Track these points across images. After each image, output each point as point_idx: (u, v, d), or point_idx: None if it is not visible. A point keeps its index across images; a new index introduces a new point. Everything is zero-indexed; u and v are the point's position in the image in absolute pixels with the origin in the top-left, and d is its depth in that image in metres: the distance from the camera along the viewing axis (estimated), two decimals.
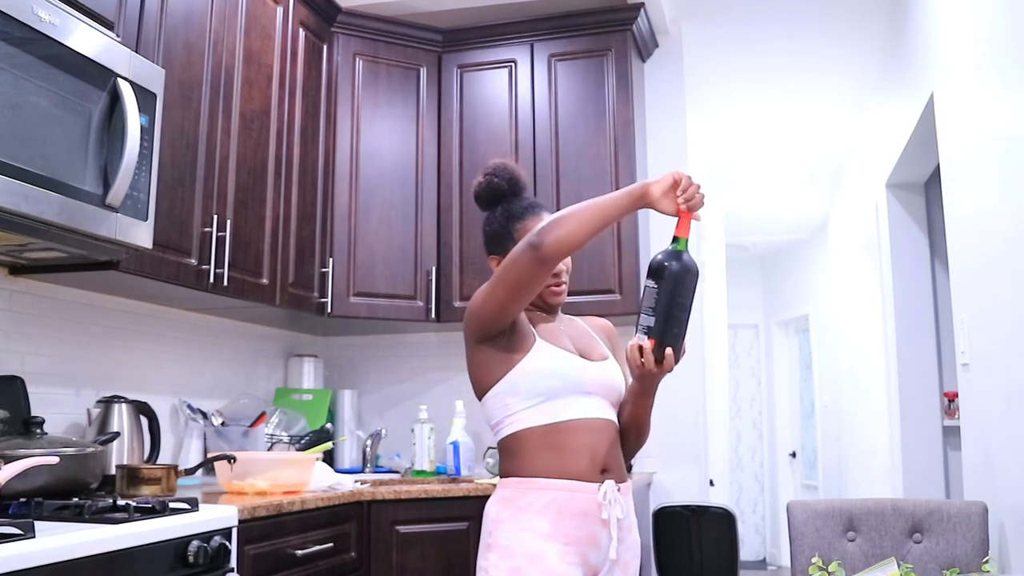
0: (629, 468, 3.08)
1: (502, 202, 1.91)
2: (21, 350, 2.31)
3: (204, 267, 2.49)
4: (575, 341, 1.88)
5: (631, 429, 1.88)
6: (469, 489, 2.69)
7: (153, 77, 2.14)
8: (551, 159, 3.31)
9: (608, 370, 1.85)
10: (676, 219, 1.68)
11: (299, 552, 2.28)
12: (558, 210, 1.72)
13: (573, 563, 1.70)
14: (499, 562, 1.71)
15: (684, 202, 1.65)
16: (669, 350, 1.69)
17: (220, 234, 2.54)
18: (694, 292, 1.71)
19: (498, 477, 1.85)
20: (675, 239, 1.69)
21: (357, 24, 3.36)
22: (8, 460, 1.67)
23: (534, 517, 1.71)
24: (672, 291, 1.67)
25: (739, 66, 4.27)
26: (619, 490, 1.78)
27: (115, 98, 2.00)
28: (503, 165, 1.93)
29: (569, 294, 1.98)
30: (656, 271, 1.69)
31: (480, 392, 1.83)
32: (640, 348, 1.68)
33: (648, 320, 1.69)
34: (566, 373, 1.77)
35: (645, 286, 1.71)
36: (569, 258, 1.87)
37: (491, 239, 1.92)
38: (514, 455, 1.78)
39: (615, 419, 1.85)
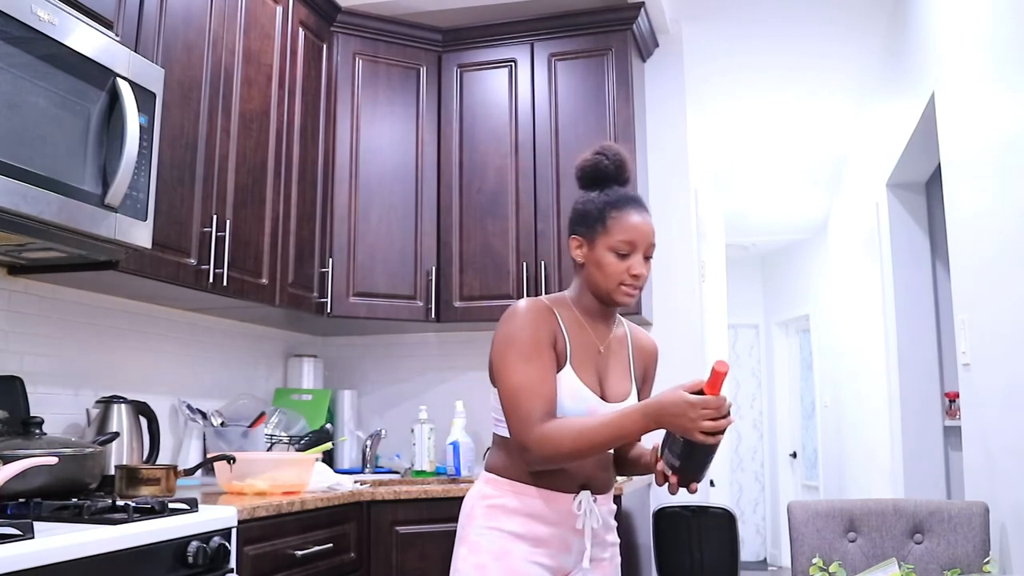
0: None
1: (603, 185, 1.79)
2: (20, 350, 2.31)
3: (203, 267, 2.48)
4: (605, 371, 1.80)
5: (628, 469, 1.89)
6: (469, 490, 2.68)
7: (152, 77, 2.14)
8: (551, 159, 3.31)
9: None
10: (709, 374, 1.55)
11: (299, 553, 2.28)
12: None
13: (539, 563, 1.71)
14: (467, 556, 1.72)
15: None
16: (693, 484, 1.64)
17: (220, 234, 2.54)
18: (716, 446, 1.59)
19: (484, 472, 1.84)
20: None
21: (357, 24, 3.35)
22: (7, 460, 1.67)
23: (505, 516, 1.72)
24: (694, 447, 1.57)
25: (739, 66, 4.27)
26: (596, 500, 1.76)
27: (114, 98, 2.00)
28: (615, 148, 1.82)
29: None
30: (678, 448, 1.60)
31: (494, 381, 1.78)
32: (666, 476, 1.64)
33: (673, 460, 1.61)
34: (574, 411, 1.72)
35: (663, 461, 1.64)
36: (648, 265, 1.77)
37: (581, 218, 1.78)
38: (502, 452, 1.79)
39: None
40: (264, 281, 2.79)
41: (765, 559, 7.97)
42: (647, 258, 1.76)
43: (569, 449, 1.62)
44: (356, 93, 3.33)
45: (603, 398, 1.77)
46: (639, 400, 1.84)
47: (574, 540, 1.74)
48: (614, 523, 1.87)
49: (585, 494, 1.74)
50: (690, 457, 1.58)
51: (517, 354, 1.69)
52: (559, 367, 1.73)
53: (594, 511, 1.75)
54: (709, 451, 1.56)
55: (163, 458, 2.78)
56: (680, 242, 3.60)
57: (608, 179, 1.80)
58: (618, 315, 1.91)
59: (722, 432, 1.52)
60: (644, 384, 1.91)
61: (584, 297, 1.81)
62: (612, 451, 1.83)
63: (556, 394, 1.69)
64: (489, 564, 1.69)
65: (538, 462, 1.66)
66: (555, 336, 1.74)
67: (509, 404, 1.68)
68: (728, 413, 1.52)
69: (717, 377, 1.51)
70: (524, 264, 3.26)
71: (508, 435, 1.75)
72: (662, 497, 3.41)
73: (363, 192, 3.28)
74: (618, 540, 1.88)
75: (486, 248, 3.32)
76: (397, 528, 2.67)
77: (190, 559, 1.80)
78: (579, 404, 1.72)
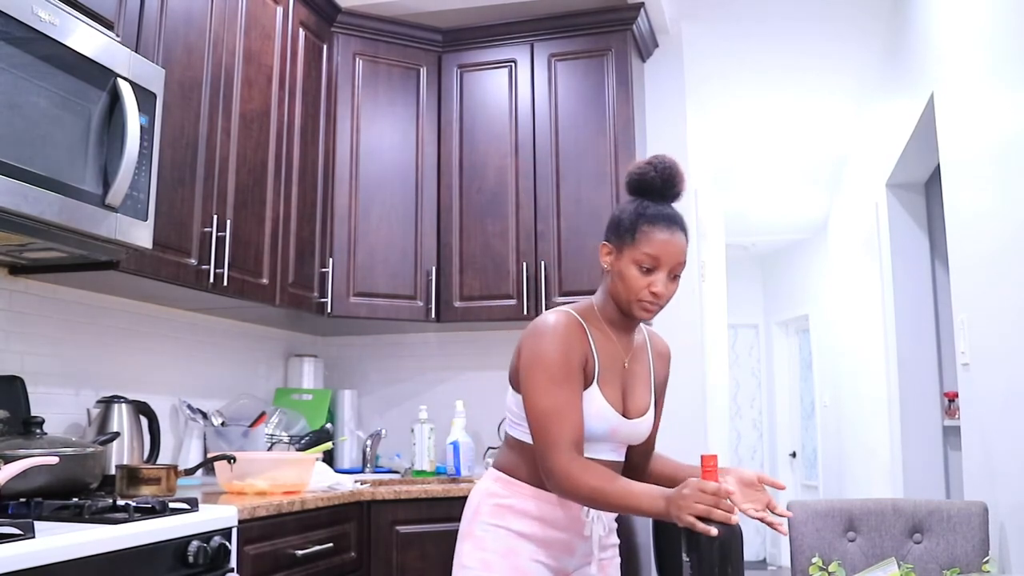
0: None
1: (647, 195, 1.76)
2: (21, 350, 2.31)
3: (204, 267, 2.48)
4: (629, 385, 1.80)
5: (654, 479, 1.87)
6: (469, 489, 2.68)
7: (153, 77, 2.14)
8: (551, 159, 3.31)
9: (638, 427, 1.79)
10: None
11: (299, 552, 2.28)
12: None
13: (543, 563, 1.73)
14: (471, 552, 1.73)
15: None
16: None
17: (220, 234, 2.54)
18: (741, 560, 1.46)
19: (491, 468, 1.85)
20: None
21: (357, 24, 3.36)
22: (8, 460, 1.67)
23: (513, 516, 1.73)
24: (712, 562, 1.42)
25: (739, 66, 4.27)
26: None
27: (115, 98, 2.00)
28: (668, 162, 1.77)
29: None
30: (692, 541, 1.44)
31: (516, 387, 1.77)
32: None
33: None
34: (597, 429, 1.72)
35: (684, 562, 1.45)
36: (674, 285, 1.74)
37: (615, 225, 1.76)
38: (514, 453, 1.79)
39: (623, 457, 1.83)
40: (264, 281, 2.80)
41: (765, 559, 7.97)
42: (674, 277, 1.73)
43: (583, 497, 1.63)
44: (356, 93, 3.33)
45: (624, 413, 1.76)
46: (655, 410, 1.86)
47: (578, 544, 1.76)
48: (615, 525, 1.89)
49: None
50: (695, 557, 1.43)
51: (547, 376, 1.67)
52: (586, 385, 1.72)
53: (601, 518, 1.76)
54: (713, 550, 1.41)
55: (163, 458, 2.78)
56: None
57: (652, 191, 1.76)
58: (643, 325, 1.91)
59: (720, 521, 1.41)
60: (660, 389, 1.91)
61: (608, 306, 1.80)
62: (623, 460, 1.83)
63: (583, 418, 1.68)
64: (495, 561, 1.70)
65: (554, 489, 1.66)
66: (585, 357, 1.72)
67: (538, 427, 1.67)
68: (729, 506, 1.43)
69: (704, 465, 1.46)
70: (524, 264, 3.26)
71: (525, 439, 1.75)
72: None
73: (363, 192, 3.28)
74: (618, 541, 1.90)
75: (486, 248, 3.32)
76: (397, 528, 2.67)
77: (191, 559, 1.81)
78: (602, 424, 1.72)
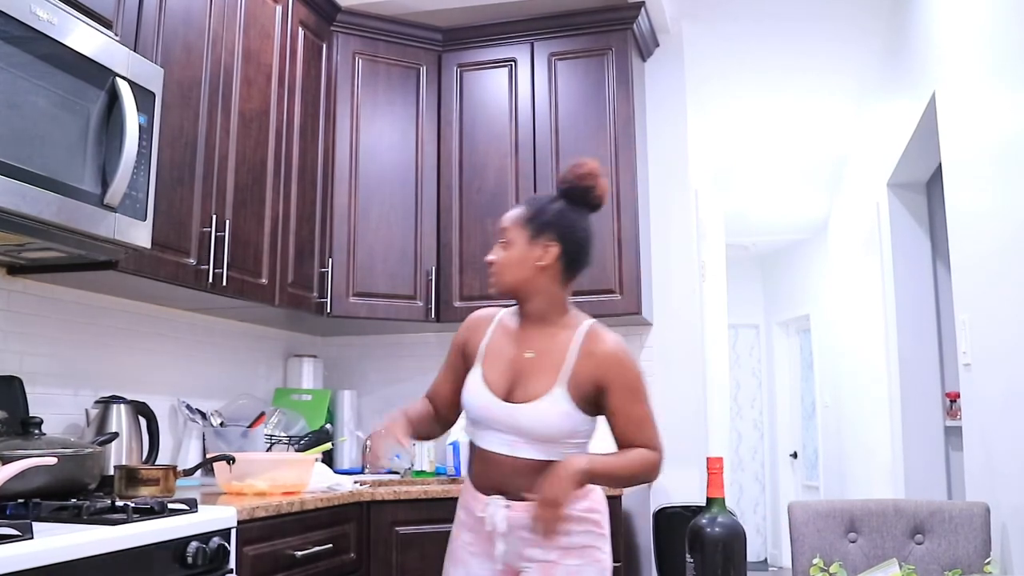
0: None
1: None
2: (19, 350, 2.31)
3: (203, 267, 2.48)
4: (523, 375, 1.91)
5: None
6: None
7: (152, 76, 2.13)
8: (551, 159, 3.30)
9: (523, 412, 1.86)
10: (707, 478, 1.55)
11: (298, 553, 2.27)
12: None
13: (475, 553, 1.91)
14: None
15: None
16: None
17: (219, 234, 2.54)
18: (744, 561, 1.49)
19: None
20: (709, 501, 1.52)
21: (357, 23, 3.35)
22: (6, 461, 1.67)
23: (460, 506, 2.00)
24: (716, 563, 1.47)
25: (740, 65, 4.27)
26: (510, 507, 1.85)
27: (114, 97, 1.99)
28: (578, 170, 1.98)
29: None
30: (695, 542, 1.49)
31: None
32: None
33: None
34: (471, 408, 1.94)
35: (688, 562, 1.50)
36: (502, 251, 1.98)
37: None
38: None
39: (534, 456, 1.85)
40: (264, 281, 2.79)
41: (766, 559, 7.97)
42: (500, 244, 1.99)
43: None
44: (356, 93, 3.32)
45: (509, 398, 1.89)
46: (574, 402, 1.86)
47: (496, 538, 1.87)
48: (572, 529, 1.84)
49: (494, 499, 1.87)
50: (698, 557, 1.53)
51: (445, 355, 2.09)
52: (470, 365, 1.98)
53: (501, 516, 1.84)
54: (716, 551, 1.48)
55: (162, 458, 2.77)
56: (680, 242, 3.60)
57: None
58: (581, 320, 1.95)
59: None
60: (603, 392, 1.88)
61: None
62: (528, 459, 1.86)
63: (447, 393, 2.05)
64: (450, 543, 1.99)
65: None
66: (468, 342, 2.01)
67: None
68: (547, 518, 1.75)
69: (711, 468, 1.54)
70: None
71: None
72: (662, 497, 3.41)
73: (363, 192, 3.27)
74: (579, 545, 1.85)
75: (486, 248, 3.28)
76: (397, 528, 2.66)
77: (189, 559, 1.80)
78: (476, 400, 1.92)
